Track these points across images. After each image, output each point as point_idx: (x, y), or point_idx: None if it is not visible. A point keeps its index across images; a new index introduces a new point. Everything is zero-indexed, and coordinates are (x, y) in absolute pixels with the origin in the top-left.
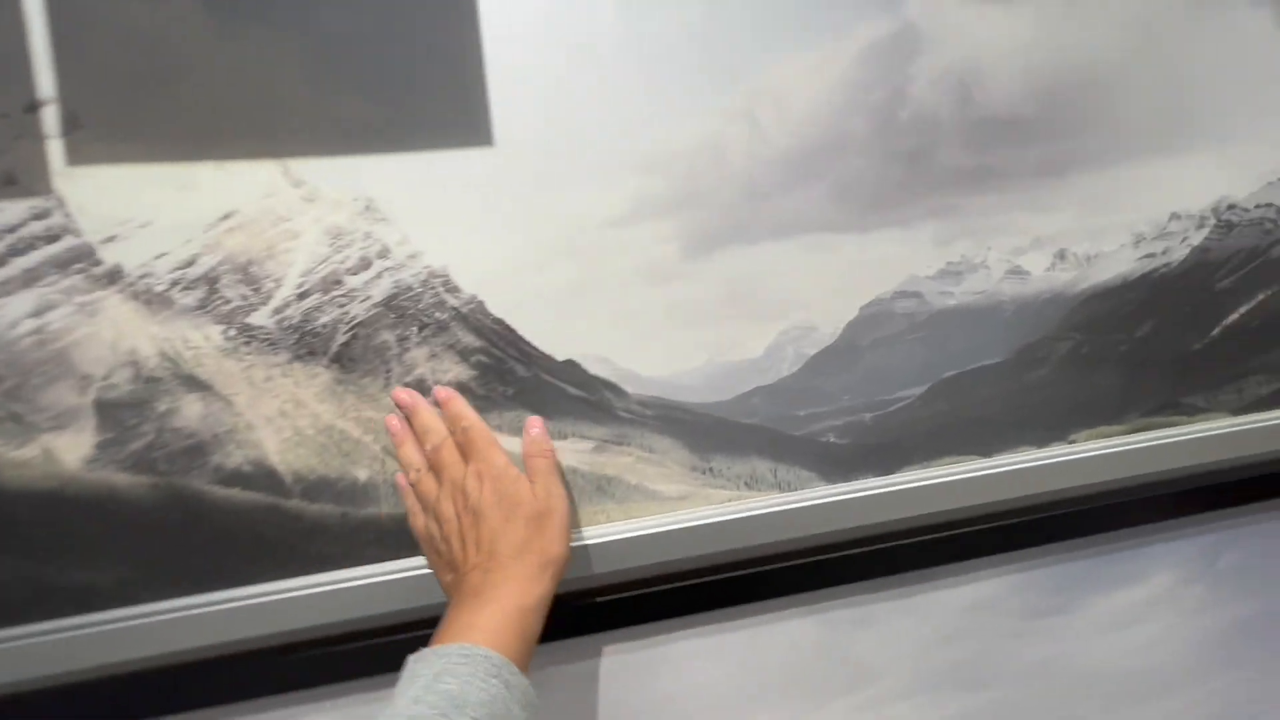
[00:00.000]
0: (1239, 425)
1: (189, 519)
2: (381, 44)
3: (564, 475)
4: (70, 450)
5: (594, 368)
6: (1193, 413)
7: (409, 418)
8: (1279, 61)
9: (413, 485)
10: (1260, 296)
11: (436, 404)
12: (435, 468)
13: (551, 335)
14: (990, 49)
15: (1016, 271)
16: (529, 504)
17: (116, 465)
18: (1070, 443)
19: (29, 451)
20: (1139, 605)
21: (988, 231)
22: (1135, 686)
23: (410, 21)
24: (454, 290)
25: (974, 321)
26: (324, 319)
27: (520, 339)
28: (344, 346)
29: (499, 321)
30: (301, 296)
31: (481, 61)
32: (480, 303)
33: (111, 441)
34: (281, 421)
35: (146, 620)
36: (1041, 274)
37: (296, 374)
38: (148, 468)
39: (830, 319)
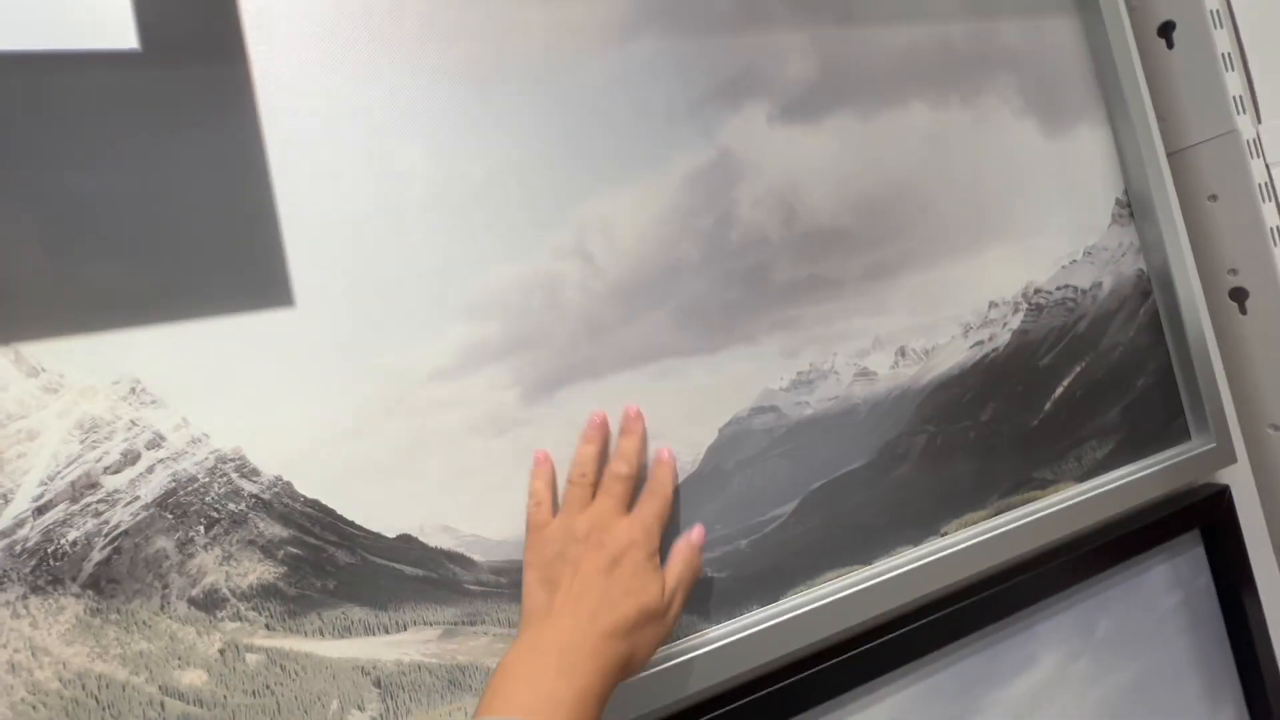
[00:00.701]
0: (1086, 492)
1: None
2: (145, 202)
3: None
4: None
5: (434, 539)
6: (1044, 485)
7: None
8: (1048, 162)
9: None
10: (1077, 368)
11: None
12: (601, 486)
13: (378, 509)
14: (804, 168)
15: (864, 373)
16: (653, 599)
17: None
18: (943, 535)
19: None
20: (1037, 690)
21: (831, 338)
22: None
23: (182, 174)
24: (251, 474)
25: (833, 428)
26: (73, 534)
27: (340, 519)
28: (102, 565)
29: (312, 503)
30: (40, 511)
31: (274, 213)
32: (286, 484)
33: None
34: (11, 680)
35: None
36: (887, 372)
37: (33, 611)
38: None
39: (690, 446)
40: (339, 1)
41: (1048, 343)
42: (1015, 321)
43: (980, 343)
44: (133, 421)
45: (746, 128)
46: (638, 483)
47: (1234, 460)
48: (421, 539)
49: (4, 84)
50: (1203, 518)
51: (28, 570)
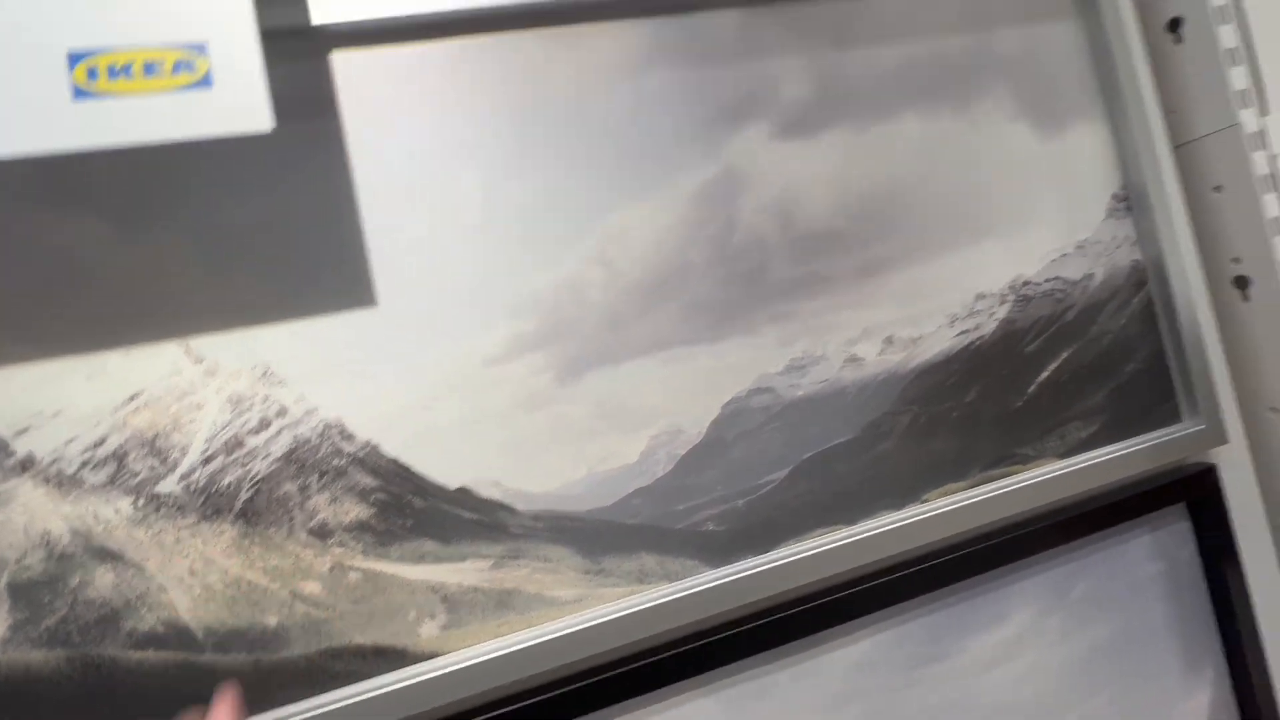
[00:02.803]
0: (1067, 467)
1: (103, 687)
2: (272, 229)
3: None
4: None
5: (486, 491)
6: (1025, 461)
7: None
8: (1041, 162)
9: None
10: (1064, 354)
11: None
12: None
13: (444, 467)
14: (802, 178)
15: (853, 359)
16: None
17: (30, 643)
18: (923, 502)
19: None
20: (1007, 642)
21: (823, 329)
22: (1018, 718)
23: (296, 207)
24: (349, 438)
25: (823, 407)
26: (228, 479)
27: (414, 474)
28: (248, 502)
29: (393, 461)
30: (206, 461)
31: (361, 233)
32: (375, 446)
33: (26, 621)
34: (191, 580)
35: None
36: (875, 358)
37: (204, 533)
38: (61, 641)
39: (695, 420)
40: (409, 62)
41: (1034, 331)
42: (1002, 312)
43: (966, 331)
44: (266, 396)
45: (748, 146)
46: None
47: (1224, 441)
48: (476, 491)
49: (169, 154)
50: (1189, 493)
51: (199, 504)
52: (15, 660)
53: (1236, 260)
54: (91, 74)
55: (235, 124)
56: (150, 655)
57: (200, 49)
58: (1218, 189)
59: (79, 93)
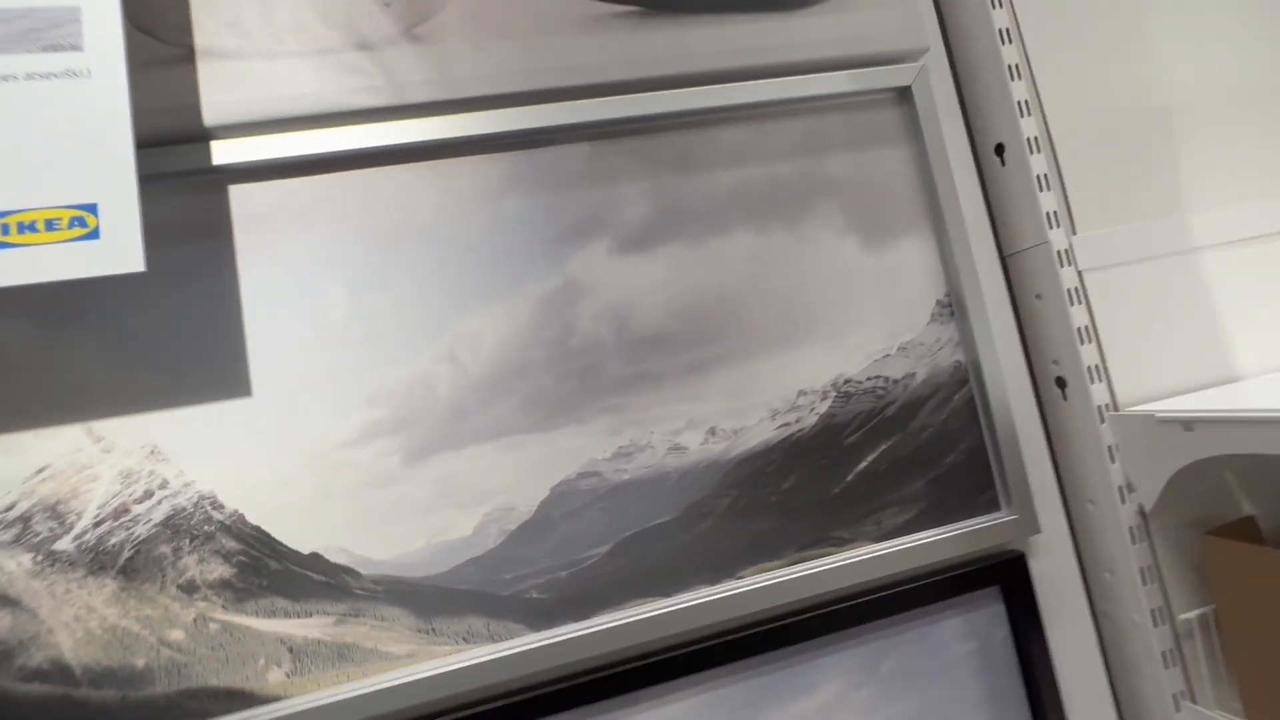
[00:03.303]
0: (880, 550)
1: None
2: (168, 330)
3: None
4: None
5: (334, 557)
6: (841, 543)
7: None
8: (868, 271)
9: None
10: (883, 446)
11: None
12: None
13: (299, 535)
14: (637, 288)
15: (677, 448)
16: None
17: None
18: (739, 578)
19: None
20: (816, 712)
21: (650, 421)
22: None
23: (190, 312)
24: (219, 507)
25: (646, 490)
26: (114, 540)
27: (273, 540)
28: (129, 560)
29: (255, 528)
30: (97, 524)
31: (243, 334)
32: (241, 515)
33: None
34: (75, 625)
35: None
36: (698, 447)
37: (89, 586)
38: None
39: (527, 500)
40: (293, 192)
41: (854, 424)
42: (823, 407)
43: (787, 424)
44: (151, 471)
45: (589, 260)
46: None
47: (1036, 531)
48: (325, 556)
49: (73, 286)
50: (1000, 578)
51: (87, 561)
52: None
53: (1056, 362)
54: (4, 229)
55: (116, 267)
56: (35, 688)
57: (92, 209)
58: (1039, 297)
59: None
